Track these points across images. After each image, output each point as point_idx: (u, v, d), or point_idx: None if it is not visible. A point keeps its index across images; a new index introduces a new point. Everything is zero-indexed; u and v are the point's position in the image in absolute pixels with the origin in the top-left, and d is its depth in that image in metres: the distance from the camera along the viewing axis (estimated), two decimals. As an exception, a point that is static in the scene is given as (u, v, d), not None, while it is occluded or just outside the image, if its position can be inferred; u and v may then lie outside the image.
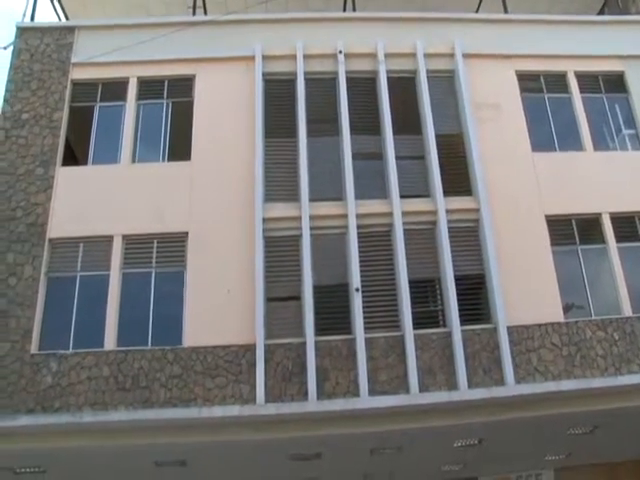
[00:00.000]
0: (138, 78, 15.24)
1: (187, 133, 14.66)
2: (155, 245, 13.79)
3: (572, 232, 14.82)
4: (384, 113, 14.99)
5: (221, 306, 13.09)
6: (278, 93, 15.30)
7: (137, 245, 13.77)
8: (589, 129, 15.93)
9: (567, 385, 12.97)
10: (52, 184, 14.01)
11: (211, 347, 12.76)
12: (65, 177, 14.17)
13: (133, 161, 14.63)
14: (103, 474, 13.59)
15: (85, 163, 14.87)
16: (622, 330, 13.79)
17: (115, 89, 15.23)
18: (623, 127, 16.48)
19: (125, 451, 12.45)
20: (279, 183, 14.41)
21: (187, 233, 13.76)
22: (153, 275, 13.59)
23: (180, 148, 14.53)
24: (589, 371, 13.33)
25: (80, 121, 14.98)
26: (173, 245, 13.81)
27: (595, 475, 16.29)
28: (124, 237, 13.71)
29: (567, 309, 14.13)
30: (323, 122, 15.08)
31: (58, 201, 13.87)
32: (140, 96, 15.27)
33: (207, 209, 13.94)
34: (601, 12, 20.15)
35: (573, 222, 14.88)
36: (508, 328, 13.39)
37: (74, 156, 15.28)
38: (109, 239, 13.66)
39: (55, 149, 14.36)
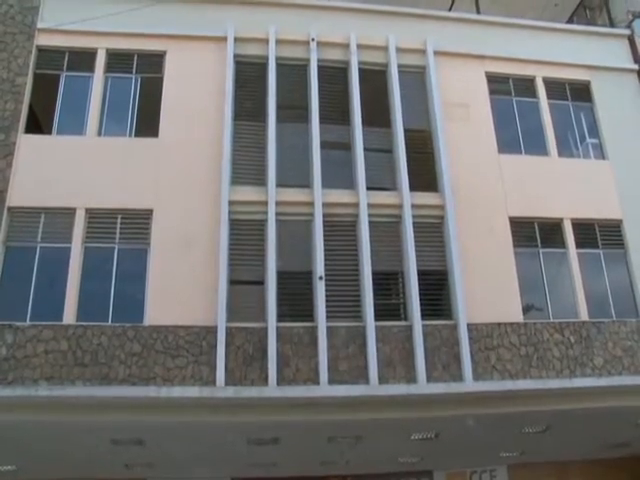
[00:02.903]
0: (107, 50, 15.68)
1: (155, 109, 15.21)
2: (119, 221, 14.28)
3: (534, 235, 15.99)
4: (354, 104, 15.85)
5: (184, 286, 13.69)
6: (249, 76, 16.01)
7: (100, 219, 14.25)
8: (554, 135, 17.16)
9: (523, 384, 14.00)
10: (13, 151, 14.35)
11: (172, 327, 13.34)
12: (28, 145, 14.50)
13: (99, 134, 15.08)
14: (59, 450, 14.05)
15: (49, 132, 15.19)
16: (578, 334, 14.96)
17: (83, 59, 15.63)
18: (587, 135, 17.79)
19: (82, 427, 12.90)
20: (246, 167, 15.11)
21: (152, 210, 14.30)
22: (116, 251, 14.09)
23: (147, 124, 15.08)
24: (545, 372, 14.42)
25: (45, 89, 15.34)
26: (137, 222, 14.33)
27: (546, 473, 17.66)
28: (87, 210, 14.16)
29: (526, 310, 15.29)
30: (293, 108, 15.89)
31: (19, 169, 14.21)
32: (108, 69, 15.69)
33: (173, 188, 14.52)
34: (570, 21, 21.40)
35: (536, 225, 16.07)
36: (468, 325, 14.39)
37: (38, 124, 15.56)
38: (72, 211, 14.08)
39: (17, 115, 14.69)
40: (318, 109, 15.54)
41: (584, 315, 15.26)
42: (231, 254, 14.08)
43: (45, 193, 14.07)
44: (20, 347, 12.75)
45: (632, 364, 14.83)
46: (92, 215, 14.18)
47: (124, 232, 14.21)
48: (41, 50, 15.61)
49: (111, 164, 14.54)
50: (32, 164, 14.29)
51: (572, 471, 17.68)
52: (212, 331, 13.30)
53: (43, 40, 15.57)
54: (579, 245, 15.96)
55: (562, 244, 15.94)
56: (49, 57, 15.62)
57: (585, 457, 17.31)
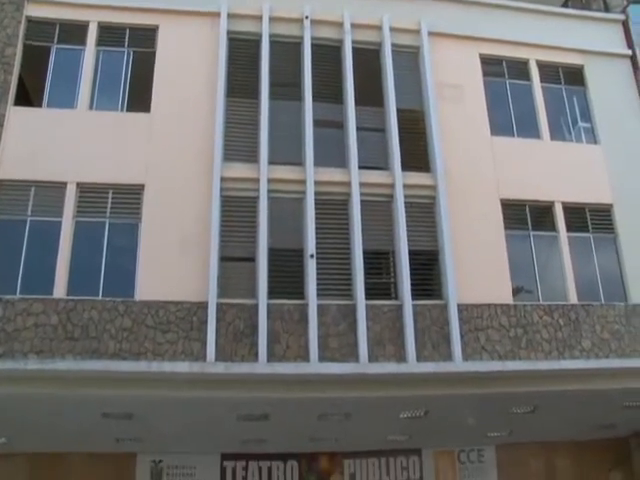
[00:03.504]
0: (99, 23, 15.66)
1: (147, 84, 15.25)
2: (110, 195, 14.36)
3: (525, 217, 16.24)
4: (347, 83, 15.95)
5: (175, 262, 13.82)
6: (242, 53, 16.07)
7: (91, 194, 14.32)
8: (547, 118, 17.34)
9: (512, 365, 14.22)
10: (2, 123, 14.38)
11: (163, 302, 13.47)
12: (18, 117, 14.53)
13: (90, 108, 15.12)
14: (49, 423, 14.14)
15: (39, 105, 15.20)
16: (567, 317, 15.25)
17: (74, 32, 15.63)
18: (580, 120, 18.02)
19: (72, 401, 12.99)
20: (239, 143, 15.21)
21: (143, 186, 14.40)
22: (107, 225, 14.18)
23: (139, 99, 15.14)
24: (534, 353, 14.70)
25: (35, 61, 15.37)
26: (129, 197, 14.43)
27: (534, 453, 18.00)
28: (78, 185, 14.24)
29: (516, 292, 15.53)
30: (286, 86, 15.97)
31: (9, 141, 14.24)
32: (100, 42, 15.69)
33: (165, 163, 14.60)
34: (565, 5, 21.53)
35: (527, 208, 16.31)
36: (458, 306, 14.62)
37: (28, 97, 15.60)
38: (62, 185, 14.15)
39: (7, 87, 14.72)
40: (311, 87, 15.62)
41: (573, 298, 15.55)
42: (222, 230, 14.18)
43: (35, 166, 14.12)
44: (10, 320, 12.85)
45: (619, 347, 15.16)
46: (83, 189, 14.25)
47: (115, 207, 14.29)
48: (31, 21, 15.61)
49: (102, 138, 14.60)
50: (22, 137, 14.33)
51: (559, 451, 18.03)
52: (203, 307, 13.43)
53: (33, 11, 15.58)
54: (570, 229, 16.23)
55: (553, 227, 16.20)
56: (39, 28, 15.61)
57: (572, 438, 17.63)
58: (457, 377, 13.89)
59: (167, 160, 14.57)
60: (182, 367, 12.83)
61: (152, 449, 16.24)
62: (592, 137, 17.62)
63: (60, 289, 13.40)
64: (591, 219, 16.50)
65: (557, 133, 17.45)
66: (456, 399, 14.16)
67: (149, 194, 14.29)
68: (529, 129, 17.10)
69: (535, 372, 14.16)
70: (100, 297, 13.47)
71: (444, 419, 15.29)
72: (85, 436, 15.04)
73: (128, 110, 15.29)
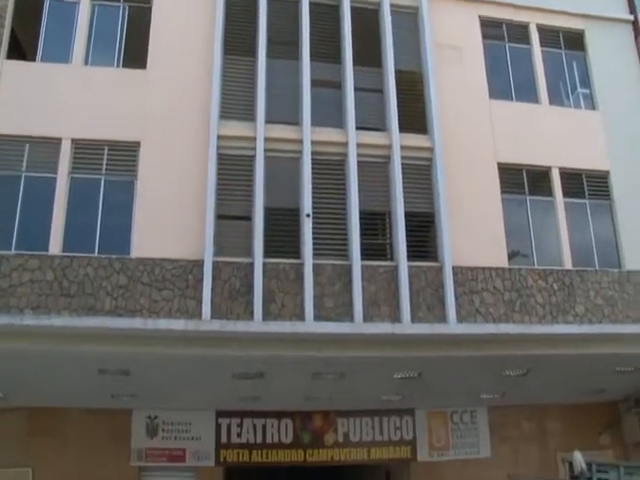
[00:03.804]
0: (93, -23, 15.51)
1: (143, 40, 15.09)
2: (106, 152, 14.28)
3: (522, 182, 16.24)
4: (345, 42, 15.81)
5: (171, 220, 13.81)
6: (240, 10, 15.81)
7: (87, 150, 14.24)
8: (546, 83, 17.26)
9: (506, 328, 14.31)
10: (-5, 76, 14.27)
11: (159, 259, 13.51)
12: (11, 71, 14.35)
13: (86, 63, 14.94)
14: (45, 379, 14.21)
15: (33, 59, 14.99)
16: (561, 282, 15.35)
17: (67, -17, 15.44)
18: (579, 85, 17.95)
19: (68, 357, 13.06)
20: (236, 101, 15.07)
21: (139, 143, 14.32)
22: (102, 182, 14.12)
23: (135, 55, 14.98)
24: (528, 317, 14.82)
25: (28, 14, 15.13)
26: (124, 154, 14.35)
27: (525, 415, 18.34)
28: (73, 141, 14.15)
29: (512, 256, 15.62)
30: (284, 44, 15.83)
31: (2, 96, 14.10)
32: (95, -4, 15.55)
33: (161, 120, 14.50)
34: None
35: (524, 172, 16.32)
36: (453, 268, 14.68)
37: (21, 51, 15.36)
38: (57, 141, 14.07)
39: (-1, 39, 14.57)
40: (309, 46, 15.48)
41: (568, 263, 15.65)
42: (219, 189, 14.14)
43: (29, 122, 14.00)
44: (5, 276, 12.87)
45: (612, 313, 15.31)
46: (78, 146, 14.17)
47: (111, 164, 14.23)
48: (22, -29, 15.41)
49: (98, 94, 14.45)
50: (15, 91, 14.19)
51: (550, 414, 18.36)
52: (199, 265, 13.46)
53: (24, -39, 15.37)
54: (566, 194, 16.26)
55: (549, 192, 16.23)
56: (31, -21, 15.39)
57: (563, 401, 17.91)
58: (451, 339, 13.99)
59: (163, 117, 14.47)
60: (178, 325, 12.86)
61: (148, 405, 16.42)
62: (591, 103, 17.55)
63: (56, 245, 13.40)
64: (588, 185, 16.51)
65: (556, 98, 17.37)
66: (450, 361, 14.29)
67: (145, 151, 14.21)
68: (528, 93, 17.02)
69: (528, 336, 14.27)
70: (96, 254, 13.48)
71: (437, 380, 15.45)
72: (81, 392, 15.19)
73: (124, 66, 15.11)
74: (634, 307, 15.41)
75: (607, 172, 16.61)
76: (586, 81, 17.74)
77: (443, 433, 17.98)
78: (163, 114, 14.50)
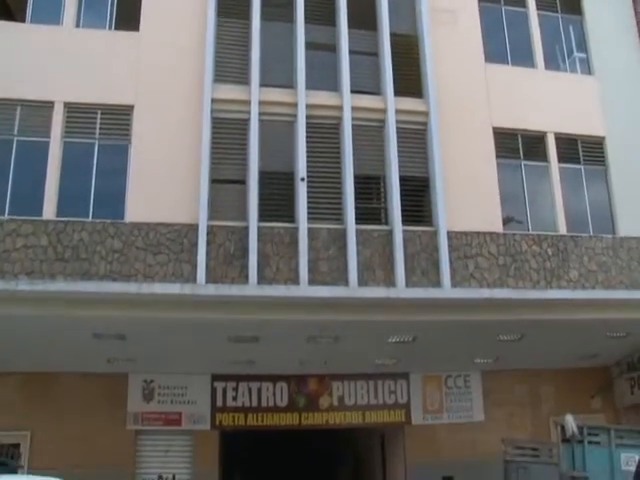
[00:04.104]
0: None
1: (136, 2, 14.91)
2: (99, 116, 14.21)
3: (517, 147, 16.24)
4: (340, 5, 15.64)
5: (165, 184, 13.80)
6: (233, -29, 15.68)
7: (80, 114, 14.17)
8: (542, 47, 17.13)
9: (500, 293, 14.35)
10: (-17, 37, 14.07)
11: (153, 224, 13.49)
12: (0, 33, 14.16)
13: (77, 25, 14.82)
14: (40, 344, 14.24)
15: (22, 21, 14.81)
16: (556, 247, 15.38)
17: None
18: (575, 50, 17.83)
19: (63, 322, 13.06)
20: (230, 64, 15.01)
21: (132, 106, 14.24)
22: (96, 147, 14.07)
23: (128, 17, 14.82)
24: (522, 282, 14.87)
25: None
26: (118, 117, 14.30)
27: (518, 380, 18.45)
28: (66, 105, 14.06)
29: (506, 221, 15.66)
30: (278, 7, 15.65)
31: (-9, 58, 13.98)
32: (86, -44, 15.33)
33: (155, 84, 14.41)
34: None
35: (519, 137, 16.30)
36: (448, 233, 14.69)
37: (9, 11, 15.20)
38: (49, 105, 13.97)
39: (-14, 0, 14.34)
40: (304, 8, 15.28)
41: (562, 229, 15.69)
42: (213, 153, 14.11)
43: (20, 85, 13.91)
44: (-1, 241, 12.90)
45: (606, 279, 15.38)
46: (71, 109, 14.10)
47: (104, 128, 14.18)
48: None
49: (90, 57, 14.33)
50: (5, 53, 14.04)
51: (543, 379, 18.46)
52: (193, 229, 13.47)
53: None
54: (561, 160, 16.25)
55: (544, 158, 16.22)
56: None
57: (556, 366, 18.01)
58: (445, 303, 14.04)
59: (157, 81, 14.37)
60: (173, 289, 12.87)
61: (143, 369, 16.46)
62: (587, 68, 17.46)
63: (49, 210, 13.38)
64: (583, 151, 16.50)
65: (552, 62, 17.26)
66: (444, 325, 14.35)
67: (139, 115, 14.15)
68: (524, 57, 16.92)
69: (522, 301, 14.32)
70: (90, 219, 13.47)
71: (432, 345, 15.54)
72: (77, 356, 15.24)
73: (116, 29, 15.00)
74: (627, 273, 15.50)
75: (602, 138, 16.58)
76: (583, 45, 17.62)
77: (437, 397, 18.06)
78: (156, 78, 14.39)
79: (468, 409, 18.11)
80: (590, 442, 13.07)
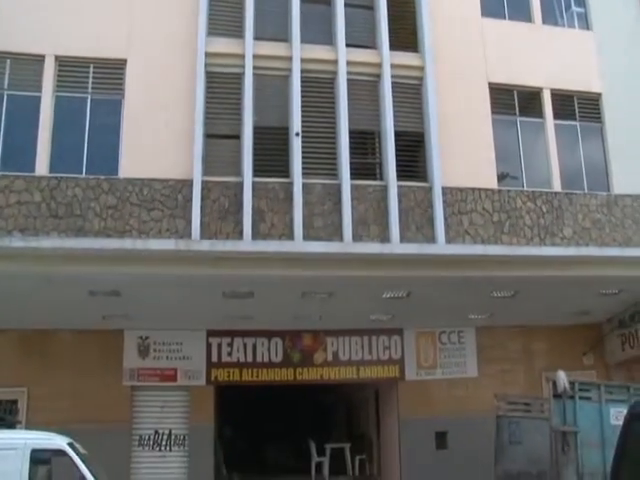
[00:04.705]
0: None
1: (128, -45, 14.61)
2: (91, 70, 14.00)
3: (513, 103, 16.13)
4: (335, -44, 15.42)
5: (159, 139, 13.68)
6: None
7: (71, 68, 13.98)
8: (539, 1, 16.88)
9: (494, 250, 14.36)
10: (-30, -12, 13.81)
11: (148, 180, 13.41)
12: (-12, -15, 13.99)
13: (70, -23, 14.54)
14: (35, 300, 14.14)
15: (10, -27, 14.61)
16: (550, 204, 15.36)
17: None
18: (573, 4, 17.48)
19: (58, 279, 12.98)
20: (223, 17, 14.79)
21: (125, 60, 14.04)
22: (89, 101, 13.89)
23: (119, -32, 14.46)
24: (516, 239, 14.88)
25: None
26: (110, 72, 14.11)
27: (511, 337, 18.60)
28: (57, 58, 13.86)
29: (501, 177, 15.64)
30: (273, -41, 15.31)
31: (-21, 11, 13.72)
32: None
33: (148, 38, 14.21)
34: None
35: (515, 93, 16.16)
36: (443, 189, 14.64)
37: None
38: (40, 58, 13.75)
39: (-28, -53, 14.04)
40: (299, -40, 15.07)
41: (557, 186, 15.67)
42: (207, 107, 13.98)
43: (9, 37, 13.65)
44: (-9, 198, 12.80)
45: (599, 236, 15.41)
46: (62, 63, 13.90)
47: (97, 82, 13.99)
48: None
49: (81, 10, 14.05)
50: (-5, 6, 13.84)
51: (535, 336, 18.64)
52: (188, 184, 13.38)
53: None
54: (557, 116, 16.16)
55: (540, 114, 16.12)
56: None
57: (549, 323, 18.17)
58: (439, 259, 14.00)
59: (150, 34, 14.17)
60: (167, 244, 12.86)
61: (139, 326, 16.49)
62: (585, 23, 17.28)
63: (42, 166, 13.27)
64: (579, 107, 16.40)
65: (549, 17, 17.07)
66: (438, 281, 14.35)
67: (132, 69, 13.95)
68: (521, 12, 16.71)
69: (516, 257, 14.31)
70: (84, 175, 13.36)
71: (426, 300, 15.58)
72: (72, 313, 15.23)
73: (110, -18, 14.75)
74: (621, 231, 15.55)
75: (599, 94, 16.46)
76: (581, -1, 17.43)
77: (431, 353, 18.20)
78: (149, 30, 14.20)
79: (462, 365, 18.27)
80: (581, 397, 13.18)
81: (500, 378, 18.10)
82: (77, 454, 9.73)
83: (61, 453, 9.66)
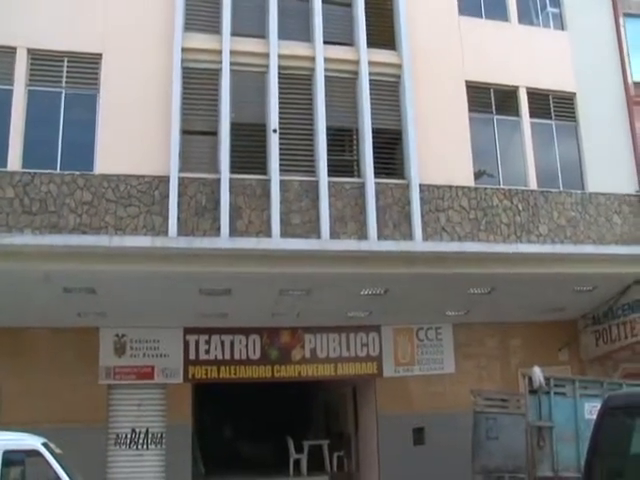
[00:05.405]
0: None
1: (103, -52, 14.32)
2: (65, 64, 13.73)
3: (490, 101, 16.14)
4: (312, -48, 15.28)
5: (135, 135, 13.45)
6: None
7: (45, 62, 13.70)
8: (516, 1, 16.89)
9: (471, 247, 14.37)
10: (-61, -23, 13.43)
11: (124, 176, 13.18)
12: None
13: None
14: (9, 298, 13.83)
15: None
16: (526, 202, 15.43)
17: None
18: (548, 4, 17.57)
19: (32, 276, 12.70)
20: (200, 13, 14.60)
21: (101, 55, 13.79)
22: (63, 96, 13.62)
23: (96, -38, 14.18)
24: (492, 236, 14.90)
25: None
26: (85, 66, 13.84)
27: (489, 333, 18.60)
28: (29, 51, 13.57)
29: (478, 175, 15.66)
30: (249, -45, 15.13)
31: (-50, 0, 13.36)
32: None
33: (124, 32, 13.96)
34: None
35: (491, 91, 16.15)
36: (420, 186, 14.61)
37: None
38: (11, 51, 13.45)
39: (-58, -63, 13.65)
40: (276, -44, 14.92)
41: (533, 184, 15.73)
42: (184, 103, 13.79)
43: (-21, 28, 13.37)
44: (-38, 193, 12.47)
45: (574, 234, 15.50)
46: (35, 57, 13.60)
47: (71, 76, 13.71)
48: None
49: (55, 2, 13.71)
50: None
51: (512, 332, 18.65)
52: (164, 181, 13.19)
53: None
54: (533, 115, 16.21)
55: (516, 112, 16.16)
56: None
57: (525, 319, 18.14)
58: (417, 256, 13.95)
59: (126, 29, 13.91)
60: (144, 241, 12.66)
61: (115, 324, 16.19)
62: (560, 23, 17.32)
63: (15, 162, 12.96)
64: (554, 106, 16.47)
65: (525, 17, 17.11)
66: (415, 278, 14.30)
67: (107, 64, 13.71)
68: (497, 11, 16.71)
69: (493, 254, 14.34)
70: (58, 170, 13.09)
71: (403, 297, 15.52)
72: (47, 311, 14.92)
73: (85, -25, 14.45)
74: (595, 228, 15.64)
75: (573, 94, 16.54)
76: (556, 0, 17.38)
77: (409, 349, 18.09)
78: (126, 26, 13.95)
79: (439, 361, 18.17)
80: (556, 393, 13.20)
81: (477, 374, 18.16)
82: (52, 454, 9.42)
83: (35, 453, 9.35)
